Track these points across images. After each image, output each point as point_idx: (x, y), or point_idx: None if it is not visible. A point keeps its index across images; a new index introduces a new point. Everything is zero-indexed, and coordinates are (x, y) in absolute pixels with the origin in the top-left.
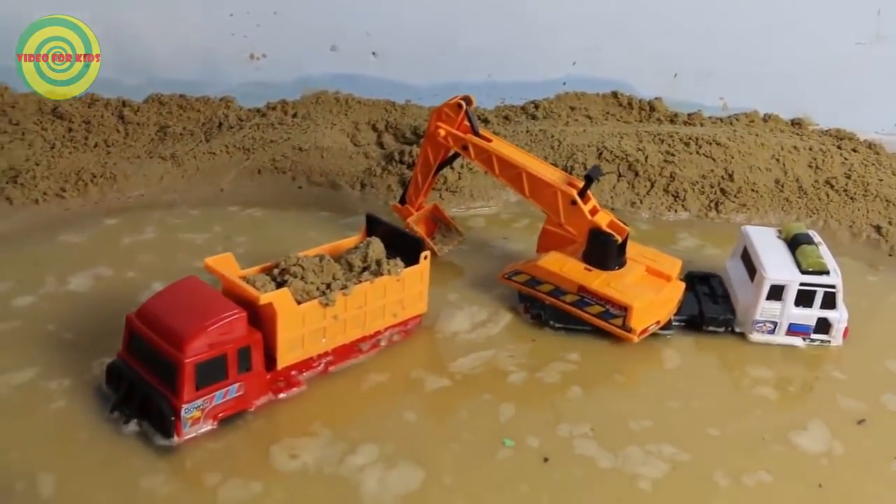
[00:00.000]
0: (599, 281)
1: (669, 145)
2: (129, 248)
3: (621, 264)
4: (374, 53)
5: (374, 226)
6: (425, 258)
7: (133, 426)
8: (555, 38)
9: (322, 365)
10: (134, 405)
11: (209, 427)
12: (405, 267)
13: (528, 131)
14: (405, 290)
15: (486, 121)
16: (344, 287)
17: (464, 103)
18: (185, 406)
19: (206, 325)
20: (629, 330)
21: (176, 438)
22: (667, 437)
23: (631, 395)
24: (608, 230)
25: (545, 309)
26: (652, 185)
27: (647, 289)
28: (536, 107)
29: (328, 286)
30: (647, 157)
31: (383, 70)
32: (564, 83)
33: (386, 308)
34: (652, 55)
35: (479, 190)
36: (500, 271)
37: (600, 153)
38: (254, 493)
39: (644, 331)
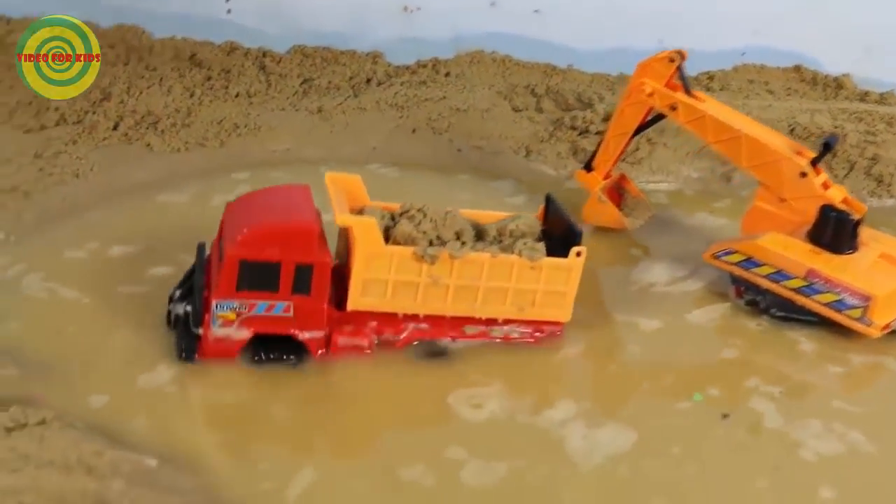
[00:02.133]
0: (832, 265)
1: (868, 124)
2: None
3: (854, 248)
4: (536, 11)
5: (549, 208)
6: (578, 255)
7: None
8: (734, 3)
9: (410, 330)
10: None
11: (243, 335)
12: (547, 256)
13: None
14: (541, 283)
15: None
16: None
17: (677, 57)
18: (217, 301)
19: (267, 223)
20: (869, 324)
21: (200, 330)
22: (865, 425)
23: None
24: (844, 207)
25: (764, 294)
26: (851, 168)
27: (888, 278)
28: (711, 78)
29: (441, 240)
30: (845, 136)
31: (544, 31)
32: (743, 53)
33: (509, 295)
34: (841, 27)
35: (658, 162)
36: (706, 250)
37: (792, 129)
38: (500, 475)
39: (886, 325)
